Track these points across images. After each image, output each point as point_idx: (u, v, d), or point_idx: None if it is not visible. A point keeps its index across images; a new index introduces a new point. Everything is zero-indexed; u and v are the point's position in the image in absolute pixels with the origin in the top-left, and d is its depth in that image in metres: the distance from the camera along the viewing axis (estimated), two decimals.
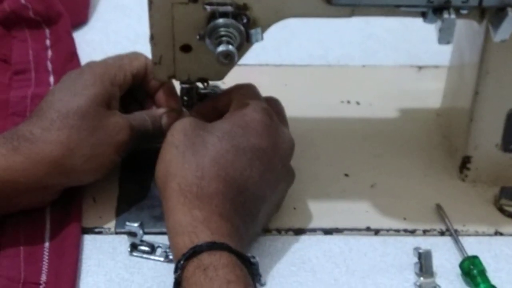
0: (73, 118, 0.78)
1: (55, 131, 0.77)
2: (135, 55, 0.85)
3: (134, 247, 0.80)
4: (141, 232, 0.79)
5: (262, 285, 0.77)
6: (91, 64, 0.84)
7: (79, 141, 0.78)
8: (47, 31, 1.00)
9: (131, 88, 0.85)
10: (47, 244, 0.79)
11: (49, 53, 0.98)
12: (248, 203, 0.76)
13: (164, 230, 0.81)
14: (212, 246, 0.70)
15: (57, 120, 0.78)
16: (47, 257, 0.78)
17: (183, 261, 0.70)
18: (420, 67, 1.00)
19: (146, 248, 0.80)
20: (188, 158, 0.75)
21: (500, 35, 0.76)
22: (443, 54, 0.92)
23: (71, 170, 0.78)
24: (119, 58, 0.85)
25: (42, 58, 0.97)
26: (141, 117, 0.84)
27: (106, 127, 0.79)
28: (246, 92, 0.82)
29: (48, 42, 0.99)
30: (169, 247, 0.79)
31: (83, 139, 0.78)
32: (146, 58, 0.85)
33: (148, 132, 0.83)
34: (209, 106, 0.84)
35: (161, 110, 0.85)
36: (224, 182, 0.74)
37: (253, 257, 0.74)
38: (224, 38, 0.76)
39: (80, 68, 0.84)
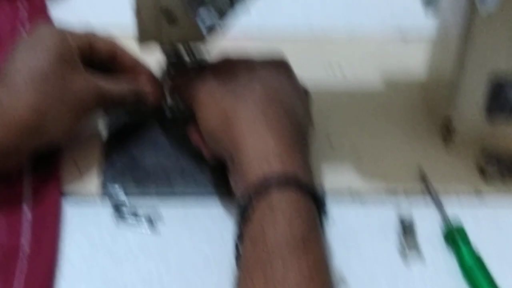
0: (37, 79, 0.77)
1: (21, 94, 0.77)
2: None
3: (118, 211, 0.80)
4: (122, 193, 0.81)
5: (326, 219, 0.76)
6: (47, 25, 0.83)
7: (46, 101, 0.77)
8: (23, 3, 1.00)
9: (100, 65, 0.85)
10: (25, 209, 0.79)
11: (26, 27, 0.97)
12: (302, 129, 0.77)
13: (147, 190, 0.82)
14: (281, 180, 0.70)
15: (22, 83, 0.77)
16: (27, 223, 0.78)
17: (253, 194, 0.70)
18: (406, 40, 1.00)
19: (132, 219, 0.80)
20: (238, 98, 0.76)
21: (485, 7, 0.76)
22: (429, 27, 0.92)
23: (42, 131, 0.78)
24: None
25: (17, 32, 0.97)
26: (117, 81, 0.84)
27: (71, 86, 0.79)
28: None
29: (24, 14, 0.99)
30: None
31: (50, 99, 0.77)
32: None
33: (123, 97, 0.83)
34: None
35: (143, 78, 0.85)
36: (281, 108, 0.76)
37: (320, 190, 0.73)
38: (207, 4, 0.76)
39: (36, 29, 0.82)
